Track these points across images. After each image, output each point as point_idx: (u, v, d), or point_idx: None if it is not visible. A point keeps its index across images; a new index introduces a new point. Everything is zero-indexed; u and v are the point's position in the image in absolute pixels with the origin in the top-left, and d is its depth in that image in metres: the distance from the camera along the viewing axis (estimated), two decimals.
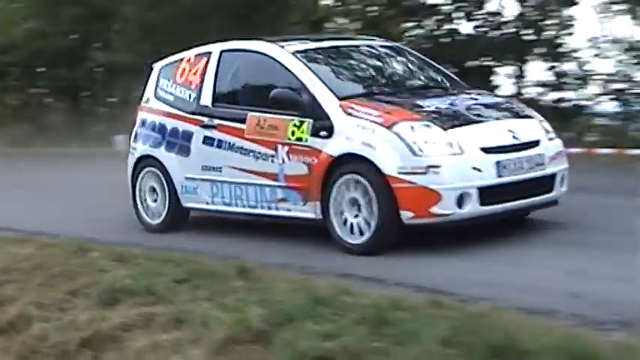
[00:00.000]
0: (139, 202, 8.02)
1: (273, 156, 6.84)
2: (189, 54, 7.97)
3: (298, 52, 7.09)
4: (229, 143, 7.18)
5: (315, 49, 7.25)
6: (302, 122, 6.66)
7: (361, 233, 6.21)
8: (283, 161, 6.75)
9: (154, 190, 7.88)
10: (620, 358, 3.62)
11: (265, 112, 6.93)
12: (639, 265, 5.21)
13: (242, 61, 7.57)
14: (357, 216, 6.21)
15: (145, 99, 8.29)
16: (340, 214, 6.32)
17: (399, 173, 5.96)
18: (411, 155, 5.98)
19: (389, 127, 6.15)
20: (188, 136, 7.61)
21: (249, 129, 7.03)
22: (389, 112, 6.36)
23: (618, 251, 5.71)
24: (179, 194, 7.69)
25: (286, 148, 6.73)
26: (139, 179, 8.01)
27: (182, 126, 7.68)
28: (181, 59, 7.98)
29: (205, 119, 7.46)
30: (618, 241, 5.99)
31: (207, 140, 7.40)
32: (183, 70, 7.86)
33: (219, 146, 7.28)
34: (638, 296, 4.63)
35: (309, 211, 6.63)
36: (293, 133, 6.69)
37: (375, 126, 6.23)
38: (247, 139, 7.04)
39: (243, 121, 7.11)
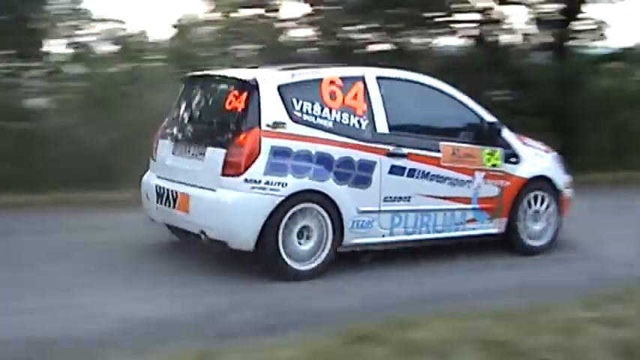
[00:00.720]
0: (281, 246, 6.89)
1: (470, 181, 7.94)
2: (329, 75, 7.50)
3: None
4: (423, 172, 7.62)
5: None
6: (494, 151, 8.12)
7: (540, 238, 8.57)
8: (479, 186, 7.97)
9: (301, 230, 7.03)
10: None
11: (455, 141, 7.92)
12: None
13: (405, 89, 7.87)
14: (535, 224, 8.52)
15: (270, 122, 6.98)
16: (524, 225, 8.42)
17: (565, 188, 8.74)
18: (564, 174, 8.84)
19: (550, 154, 8.95)
20: (368, 166, 7.35)
21: (445, 157, 7.76)
22: (540, 143, 9.00)
23: None
24: (346, 230, 7.21)
25: (483, 173, 8.01)
26: (284, 219, 6.91)
27: (357, 155, 7.28)
28: (320, 80, 7.39)
29: (390, 148, 7.44)
30: None
31: (396, 169, 7.46)
32: (333, 92, 7.36)
33: (410, 175, 7.56)
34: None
35: (493, 227, 8.19)
36: (488, 159, 8.05)
37: (543, 153, 8.84)
38: (444, 167, 7.74)
39: (435, 149, 7.72)
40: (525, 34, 20.72)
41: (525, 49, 20.68)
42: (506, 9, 19.63)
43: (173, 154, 7.71)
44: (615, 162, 18.71)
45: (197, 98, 7.89)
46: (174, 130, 7.85)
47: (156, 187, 7.76)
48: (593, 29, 21.72)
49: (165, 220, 7.74)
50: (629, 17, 23.91)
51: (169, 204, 7.48)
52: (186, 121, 7.84)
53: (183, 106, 8.01)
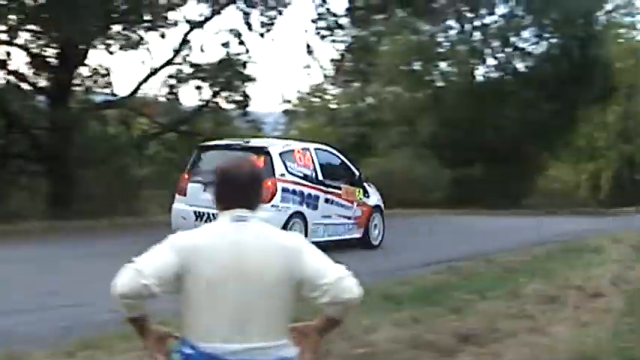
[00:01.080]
0: None
1: (351, 207, 17.08)
2: (296, 146, 16.46)
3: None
4: (336, 202, 16.77)
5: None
6: (360, 190, 17.59)
7: (376, 239, 18.10)
8: (355, 209, 17.12)
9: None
10: None
11: (346, 184, 17.17)
12: None
13: (325, 155, 17.19)
14: (375, 231, 17.95)
15: (279, 174, 15.23)
16: (371, 232, 17.89)
17: None
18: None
19: (377, 192, 17.29)
20: (317, 197, 16.15)
21: (343, 193, 17.06)
22: (372, 185, 17.57)
23: None
24: (309, 233, 15.12)
25: (356, 202, 17.28)
26: (289, 225, 14.82)
27: (312, 192, 16.07)
28: (292, 150, 16.05)
29: (323, 187, 16.42)
30: None
31: (326, 200, 16.41)
32: (299, 157, 16.02)
33: (331, 203, 16.63)
34: None
35: (359, 233, 17.33)
36: (358, 195, 17.43)
37: (375, 191, 18.72)
38: (343, 199, 17.02)
39: (339, 189, 16.88)
40: (21, 76, 20.95)
41: (23, 92, 20.65)
42: None
43: (204, 192, 14.12)
44: (111, 208, 19.73)
45: (219, 158, 12.53)
46: (202, 179, 14.65)
47: (194, 212, 14.72)
48: (98, 76, 23.40)
49: None
50: (133, 66, 27.36)
51: (209, 221, 12.42)
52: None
53: (207, 164, 14.97)
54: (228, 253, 3.62)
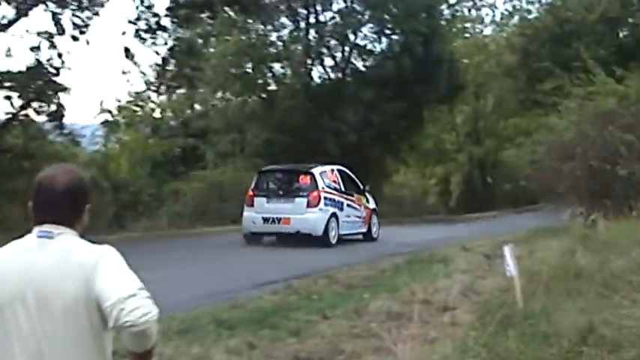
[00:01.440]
0: (329, 233, 24.07)
1: (359, 209, 26.39)
2: (321, 170, 25.02)
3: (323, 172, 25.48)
4: (353, 206, 25.96)
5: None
6: (364, 197, 26.98)
7: (375, 233, 27.61)
8: (362, 211, 26.37)
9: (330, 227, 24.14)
10: None
11: (357, 193, 26.58)
12: None
13: (342, 173, 26.42)
14: (374, 227, 27.62)
15: (321, 187, 24.15)
16: (373, 228, 27.67)
17: None
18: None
19: (372, 198, 25.41)
20: (342, 203, 25.06)
21: (356, 200, 26.23)
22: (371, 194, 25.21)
23: None
24: (340, 229, 24.66)
25: (363, 206, 26.73)
26: (330, 223, 24.02)
27: (339, 198, 25.03)
28: (326, 171, 25.31)
29: (345, 196, 25.49)
30: None
31: (348, 205, 25.42)
32: (328, 174, 25.24)
33: (349, 207, 25.67)
34: None
35: (364, 229, 26.73)
36: (363, 200, 26.86)
37: (371, 198, 28.24)
38: (356, 203, 26.26)
39: (353, 196, 26.10)
40: None
41: None
42: None
43: (268, 203, 23.65)
44: None
45: (276, 178, 25.14)
46: (265, 193, 23.98)
47: (262, 217, 23.37)
48: None
49: (269, 230, 23.65)
50: None
51: (275, 222, 23.35)
52: (274, 188, 24.47)
53: (266, 183, 24.61)
54: (18, 274, 3.41)
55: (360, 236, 26.32)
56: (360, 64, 44.85)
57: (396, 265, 17.21)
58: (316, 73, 44.23)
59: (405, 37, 42.10)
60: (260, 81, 43.70)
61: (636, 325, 8.51)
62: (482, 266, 15.93)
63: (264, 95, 43.22)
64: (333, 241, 23.77)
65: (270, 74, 44.12)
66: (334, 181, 25.28)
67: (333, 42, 43.61)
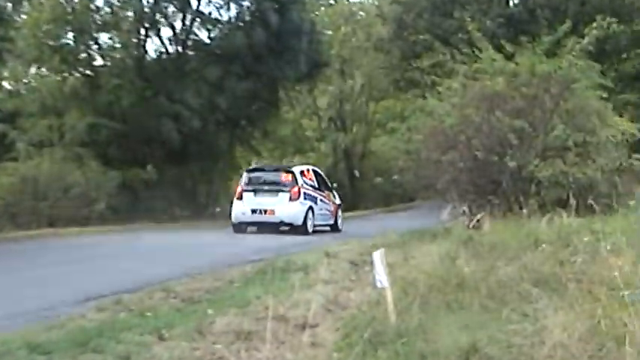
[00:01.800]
0: (307, 222, 32.00)
1: (329, 204, 34.85)
2: (300, 169, 33.58)
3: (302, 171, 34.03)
4: (324, 201, 34.18)
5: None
6: (333, 194, 35.76)
7: (341, 225, 36.28)
8: (331, 205, 35.07)
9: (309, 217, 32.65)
10: None
11: (327, 190, 35.19)
12: None
13: (317, 174, 34.85)
14: (339, 220, 36.49)
15: (300, 184, 31.88)
16: (339, 221, 36.29)
17: None
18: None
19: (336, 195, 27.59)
20: (315, 197, 32.98)
21: (327, 196, 34.69)
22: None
23: None
24: (314, 220, 32.57)
25: (332, 201, 35.42)
26: (308, 214, 31.92)
27: (315, 194, 33.03)
28: (302, 171, 33.29)
29: (319, 192, 33.77)
30: None
31: (319, 200, 33.50)
32: (305, 173, 33.40)
33: (322, 202, 33.87)
34: None
35: (332, 221, 35.06)
36: (332, 196, 35.70)
37: (336, 195, 36.79)
38: (327, 199, 34.70)
39: (325, 193, 34.59)
40: None
41: None
42: None
43: (255, 196, 31.68)
44: None
45: (262, 175, 33.00)
46: (252, 188, 31.96)
47: (250, 209, 31.44)
48: None
49: (256, 220, 31.45)
50: None
51: (262, 213, 31.24)
52: (261, 184, 32.15)
53: (254, 179, 32.54)
54: None
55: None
56: (204, 36, 45.03)
57: (247, 274, 17.12)
58: (151, 46, 44.01)
59: (257, 4, 42.11)
60: (83, 55, 43.08)
61: (527, 342, 8.65)
62: (348, 275, 15.96)
63: (88, 72, 42.65)
64: (310, 230, 32.04)
65: (95, 46, 43.51)
66: (310, 179, 33.65)
67: (171, 8, 43.36)
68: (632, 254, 11.03)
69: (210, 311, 12.35)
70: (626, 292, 8.79)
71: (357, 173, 56.83)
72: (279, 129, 51.30)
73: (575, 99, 23.45)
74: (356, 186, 55.76)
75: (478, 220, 19.36)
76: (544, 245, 14.01)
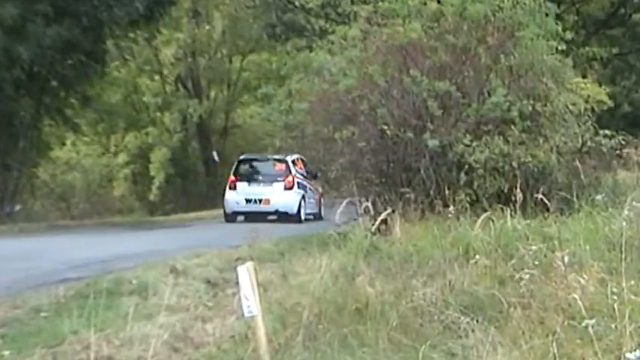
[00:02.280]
0: (301, 211, 45.46)
1: (315, 193, 46.23)
2: (291, 158, 44.50)
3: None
4: (311, 189, 46.08)
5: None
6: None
7: (323, 214, 45.67)
8: (316, 194, 46.40)
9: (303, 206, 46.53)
10: None
11: (312, 179, 43.65)
12: None
13: (303, 162, 44.85)
14: (322, 209, 47.78)
15: (294, 173, 44.59)
16: (322, 209, 46.99)
17: None
18: None
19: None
20: (305, 186, 45.81)
21: (312, 184, 45.28)
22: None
23: None
24: (305, 208, 46.02)
25: (316, 191, 46.04)
26: (302, 202, 45.61)
27: (306, 183, 45.58)
28: (293, 160, 44.52)
29: (308, 181, 45.92)
30: None
31: (308, 188, 46.25)
32: (296, 162, 45.19)
33: (310, 190, 46.43)
34: None
35: (317, 210, 47.27)
36: (316, 187, 45.29)
37: (317, 184, 45.77)
38: (313, 187, 45.57)
39: (310, 181, 45.35)
40: None
41: None
42: None
43: (249, 186, 44.58)
44: None
45: (255, 165, 46.69)
46: (246, 178, 44.98)
47: (245, 199, 44.15)
48: None
49: (251, 209, 43.63)
50: None
51: (257, 202, 43.85)
52: (254, 174, 45.64)
53: (247, 169, 46.10)
54: None
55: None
56: None
57: (60, 299, 16.91)
58: None
59: None
60: None
61: None
62: (203, 300, 15.96)
63: None
64: (303, 218, 43.37)
65: None
66: (300, 168, 44.17)
67: None
68: (599, 269, 11.15)
69: (5, 353, 12.21)
70: (590, 322, 8.77)
71: (215, 156, 56.24)
72: (105, 93, 50.82)
73: (522, 52, 23.42)
74: (215, 174, 55.79)
75: (385, 222, 19.34)
76: (478, 257, 14.04)
